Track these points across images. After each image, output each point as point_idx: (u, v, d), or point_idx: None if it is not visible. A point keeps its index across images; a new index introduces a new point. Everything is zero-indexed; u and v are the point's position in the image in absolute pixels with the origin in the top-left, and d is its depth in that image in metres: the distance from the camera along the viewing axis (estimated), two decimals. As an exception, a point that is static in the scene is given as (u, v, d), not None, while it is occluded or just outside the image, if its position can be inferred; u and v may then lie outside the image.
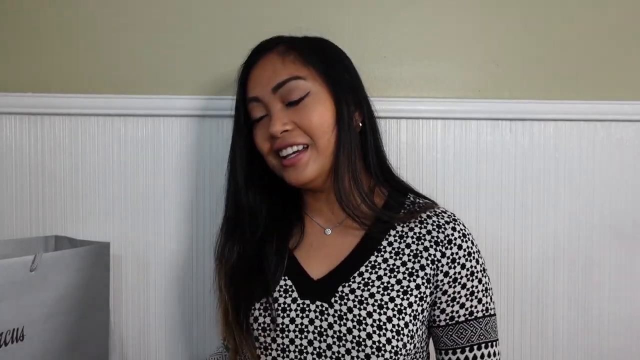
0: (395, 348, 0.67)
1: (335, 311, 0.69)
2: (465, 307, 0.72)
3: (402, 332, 0.68)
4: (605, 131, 1.02)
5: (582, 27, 1.02)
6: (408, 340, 0.69)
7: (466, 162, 1.00)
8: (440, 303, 0.72)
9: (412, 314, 0.70)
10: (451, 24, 1.01)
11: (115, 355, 0.99)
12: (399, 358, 0.67)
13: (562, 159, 1.01)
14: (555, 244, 1.02)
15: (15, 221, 0.99)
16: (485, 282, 0.74)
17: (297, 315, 0.71)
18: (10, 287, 0.70)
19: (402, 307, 0.69)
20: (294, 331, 0.70)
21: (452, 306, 0.72)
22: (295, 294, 0.72)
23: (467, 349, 0.72)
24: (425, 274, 0.72)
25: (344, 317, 0.69)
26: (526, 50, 1.01)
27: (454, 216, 0.76)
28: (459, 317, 0.72)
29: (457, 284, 0.72)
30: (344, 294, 0.70)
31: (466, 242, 0.73)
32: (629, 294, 1.02)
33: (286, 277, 0.74)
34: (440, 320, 0.73)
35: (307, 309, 0.71)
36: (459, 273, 0.72)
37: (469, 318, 0.72)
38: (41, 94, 0.98)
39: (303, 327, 0.70)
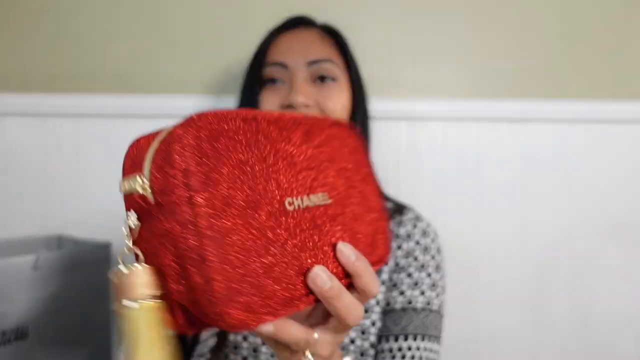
0: (359, 348, 0.66)
1: None
2: (405, 295, 0.71)
3: (368, 330, 0.67)
4: (605, 131, 1.02)
5: (582, 26, 1.02)
6: (376, 340, 0.68)
7: (465, 162, 1.01)
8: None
9: (379, 311, 0.69)
10: (451, 24, 1.01)
11: (116, 354, 0.99)
12: (366, 358, 0.67)
13: (561, 159, 1.02)
14: (554, 244, 1.02)
15: (18, 220, 1.00)
16: (434, 279, 0.72)
17: (249, 355, 0.68)
18: (13, 285, 0.70)
19: (368, 305, 0.69)
20: (248, 348, 0.69)
21: (392, 291, 0.71)
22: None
23: (402, 337, 0.68)
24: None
25: None
26: (526, 51, 1.02)
27: (420, 217, 0.78)
28: (395, 303, 0.70)
29: (403, 272, 0.72)
30: None
31: (425, 238, 0.74)
32: (629, 294, 1.03)
33: None
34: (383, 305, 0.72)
35: (258, 349, 0.68)
36: (410, 264, 0.72)
37: (407, 306, 0.70)
38: (43, 95, 0.99)
39: (257, 345, 0.68)
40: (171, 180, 0.32)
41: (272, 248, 0.36)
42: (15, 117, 0.99)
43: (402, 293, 0.70)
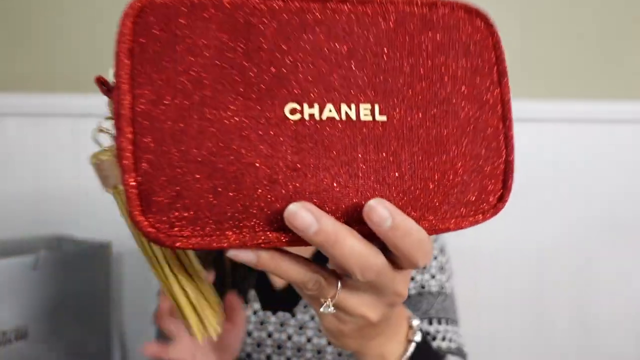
0: None
1: (297, 320, 0.67)
2: (416, 279, 0.69)
3: None
4: (605, 131, 1.02)
5: (582, 26, 1.02)
6: None
7: (466, 162, 1.01)
8: None
9: None
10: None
11: (116, 354, 0.99)
12: None
13: (561, 159, 1.02)
14: (554, 244, 1.02)
15: (18, 220, 1.00)
16: (441, 261, 0.71)
17: (255, 328, 0.68)
18: (13, 285, 0.70)
19: None
20: (251, 344, 0.67)
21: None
22: (257, 305, 0.69)
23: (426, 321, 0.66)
24: None
25: (305, 325, 0.66)
26: (526, 50, 1.02)
27: None
28: (409, 289, 0.68)
29: None
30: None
31: None
32: (628, 294, 1.03)
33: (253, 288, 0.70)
34: None
35: (266, 321, 0.68)
36: None
37: (422, 291, 0.68)
38: (43, 94, 0.99)
39: (261, 340, 0.67)
40: (114, 64, 0.30)
41: (230, 157, 0.28)
42: (16, 117, 0.99)
43: (412, 278, 0.68)
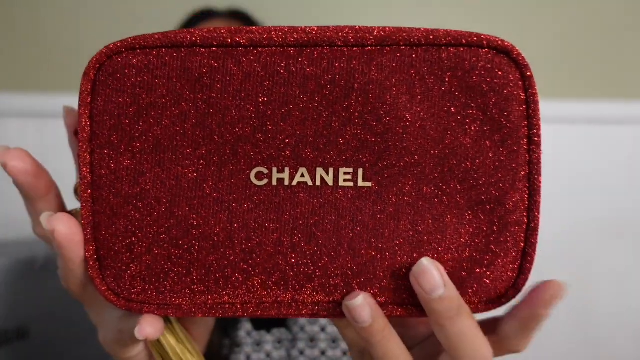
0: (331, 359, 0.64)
1: (290, 333, 0.66)
2: None
3: (318, 337, 0.64)
4: (605, 131, 1.02)
5: (582, 26, 1.02)
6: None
7: (466, 162, 1.01)
8: None
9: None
10: (448, 24, 1.01)
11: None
12: None
13: (561, 159, 1.02)
14: (554, 244, 1.02)
15: (18, 221, 1.00)
16: None
17: (254, 350, 0.65)
18: (15, 285, 0.71)
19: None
20: None
21: None
22: (248, 325, 0.66)
23: None
24: None
25: (297, 337, 0.65)
26: (525, 51, 1.01)
27: None
28: None
29: None
30: None
31: None
32: (629, 294, 1.03)
33: None
34: None
35: (262, 340, 0.66)
36: None
37: None
38: (44, 95, 0.99)
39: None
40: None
41: (186, 227, 0.27)
42: (16, 117, 0.99)
43: None
